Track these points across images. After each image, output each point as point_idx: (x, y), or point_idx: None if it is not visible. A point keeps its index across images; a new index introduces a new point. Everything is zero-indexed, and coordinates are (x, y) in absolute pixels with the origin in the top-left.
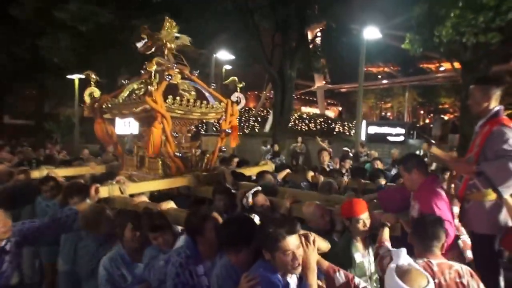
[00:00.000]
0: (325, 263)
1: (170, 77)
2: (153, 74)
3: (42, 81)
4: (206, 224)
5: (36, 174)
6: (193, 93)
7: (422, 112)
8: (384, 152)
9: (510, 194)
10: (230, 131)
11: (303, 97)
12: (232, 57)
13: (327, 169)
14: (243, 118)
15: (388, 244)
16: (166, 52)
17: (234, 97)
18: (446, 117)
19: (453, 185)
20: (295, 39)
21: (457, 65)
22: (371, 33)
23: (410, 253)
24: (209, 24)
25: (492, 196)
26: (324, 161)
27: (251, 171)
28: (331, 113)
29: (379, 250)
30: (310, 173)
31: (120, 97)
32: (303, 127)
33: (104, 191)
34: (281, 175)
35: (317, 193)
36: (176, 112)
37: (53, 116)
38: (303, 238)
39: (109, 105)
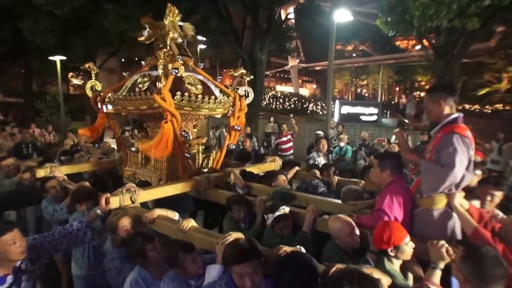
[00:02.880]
0: None
1: (176, 71)
2: (161, 70)
3: (27, 62)
4: None
5: (41, 172)
6: (199, 87)
7: (398, 89)
8: (357, 132)
9: (461, 204)
10: (239, 128)
11: (278, 74)
12: (204, 39)
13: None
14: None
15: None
16: (168, 42)
17: (242, 91)
18: (423, 94)
19: None
20: (265, 21)
21: (426, 43)
22: (342, 15)
23: None
24: (181, 5)
25: (441, 204)
26: (324, 149)
27: (260, 169)
28: (306, 90)
29: None
30: (317, 172)
31: (122, 91)
32: (277, 106)
33: (114, 201)
34: (290, 174)
35: (342, 203)
36: (184, 109)
37: (41, 94)
38: None
39: (112, 99)
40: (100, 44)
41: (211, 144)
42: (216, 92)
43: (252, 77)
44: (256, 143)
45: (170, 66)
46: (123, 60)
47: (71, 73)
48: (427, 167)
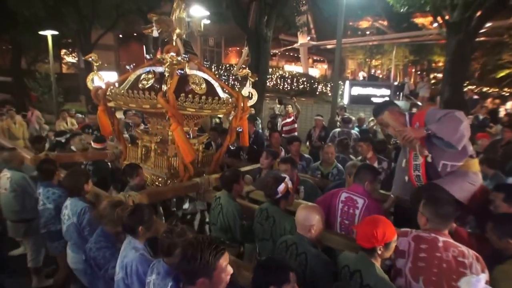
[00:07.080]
0: None
1: (181, 71)
2: (167, 73)
3: (15, 37)
4: None
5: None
6: (203, 86)
7: (413, 70)
8: (366, 115)
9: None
10: (241, 129)
11: (287, 53)
12: (207, 13)
13: None
14: (223, 77)
15: None
16: (174, 37)
17: (245, 92)
18: (440, 76)
19: None
20: None
21: (440, 20)
22: None
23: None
24: None
25: (473, 168)
26: None
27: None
28: (316, 71)
29: None
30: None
31: (125, 85)
32: (285, 86)
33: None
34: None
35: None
36: (187, 110)
37: (31, 73)
38: None
39: (114, 95)
40: (95, 17)
41: None
42: (220, 91)
43: (256, 78)
44: (260, 125)
45: (175, 68)
46: (120, 36)
47: (64, 50)
48: (438, 124)
